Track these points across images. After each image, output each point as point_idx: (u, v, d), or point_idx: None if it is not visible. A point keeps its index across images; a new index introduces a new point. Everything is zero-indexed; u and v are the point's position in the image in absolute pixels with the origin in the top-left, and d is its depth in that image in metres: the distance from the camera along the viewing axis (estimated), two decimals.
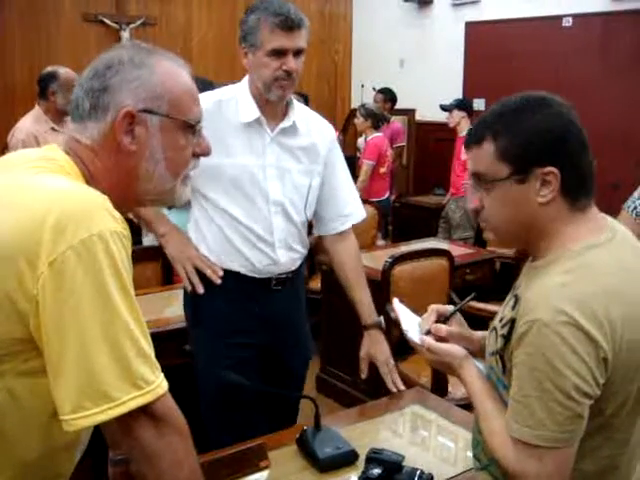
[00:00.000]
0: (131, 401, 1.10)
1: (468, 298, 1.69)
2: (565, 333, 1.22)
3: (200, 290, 2.20)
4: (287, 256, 2.25)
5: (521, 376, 1.28)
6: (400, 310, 1.67)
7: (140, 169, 1.27)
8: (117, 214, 1.15)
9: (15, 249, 1.07)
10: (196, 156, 1.36)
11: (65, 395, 1.08)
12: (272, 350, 2.30)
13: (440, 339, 1.57)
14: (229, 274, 2.21)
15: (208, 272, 2.19)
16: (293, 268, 2.30)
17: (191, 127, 1.31)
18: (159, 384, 1.14)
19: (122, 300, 1.11)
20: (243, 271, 2.22)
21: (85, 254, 1.07)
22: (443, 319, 1.62)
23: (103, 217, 1.11)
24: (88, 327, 1.07)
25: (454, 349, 1.52)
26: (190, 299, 2.28)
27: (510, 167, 1.32)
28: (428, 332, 1.59)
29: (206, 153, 1.38)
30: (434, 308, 1.64)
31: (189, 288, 2.22)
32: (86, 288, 1.07)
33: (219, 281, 2.19)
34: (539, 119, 1.32)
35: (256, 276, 2.23)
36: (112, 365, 1.08)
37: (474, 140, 1.38)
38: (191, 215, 2.30)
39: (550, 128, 1.31)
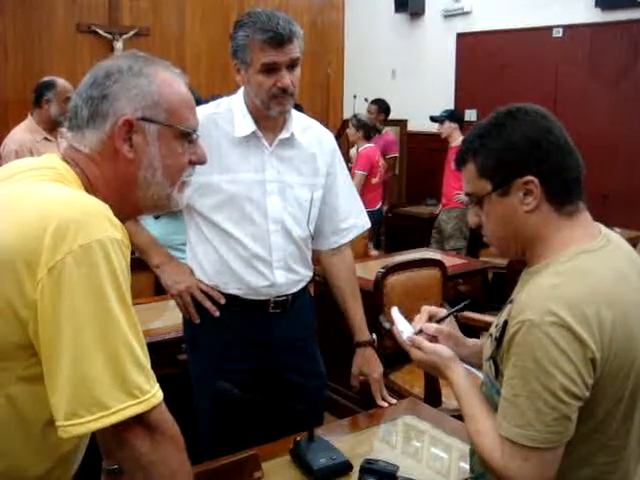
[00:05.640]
0: (125, 410, 1.09)
1: (462, 304, 1.72)
2: (554, 334, 1.24)
3: (197, 321, 2.18)
4: (285, 277, 2.17)
5: (511, 376, 1.30)
6: (397, 317, 1.68)
7: (138, 177, 1.28)
8: (117, 221, 1.16)
9: (16, 256, 1.08)
10: (192, 164, 1.37)
11: (59, 401, 1.08)
12: (278, 374, 2.23)
13: (430, 339, 1.59)
14: (224, 298, 2.16)
15: (207, 304, 2.15)
16: (294, 290, 2.21)
17: (187, 135, 1.33)
18: (154, 394, 1.14)
19: (120, 308, 1.11)
20: (238, 293, 2.16)
21: (84, 261, 1.07)
22: (435, 321, 1.65)
23: (103, 224, 1.12)
24: (84, 334, 1.07)
25: (441, 349, 1.54)
26: (187, 322, 2.25)
27: (491, 182, 1.38)
28: (420, 331, 1.61)
29: (202, 161, 1.39)
30: (426, 309, 1.67)
31: (187, 317, 2.21)
32: (84, 295, 1.07)
33: (217, 313, 2.15)
34: (509, 132, 1.36)
35: (253, 298, 2.16)
36: (107, 373, 1.08)
37: (460, 163, 1.45)
38: (187, 235, 2.25)
39: (521, 139, 1.35)
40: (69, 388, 1.07)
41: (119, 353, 1.10)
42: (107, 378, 1.08)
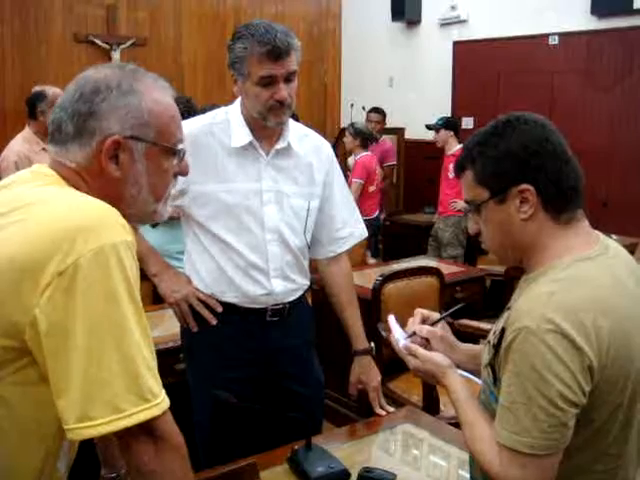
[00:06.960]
0: (139, 414, 1.09)
1: (455, 307, 1.73)
2: (551, 341, 1.24)
3: (194, 329, 2.18)
4: (282, 286, 2.18)
5: (509, 383, 1.30)
6: (394, 326, 1.68)
7: (124, 194, 1.27)
8: (125, 223, 1.16)
9: (22, 262, 1.07)
10: (175, 176, 1.36)
11: (70, 404, 1.07)
12: (275, 383, 2.23)
13: (423, 341, 1.60)
14: (221, 306, 2.17)
15: (204, 313, 2.15)
16: (291, 299, 2.22)
17: (174, 152, 1.32)
18: (163, 398, 1.14)
19: (132, 311, 1.11)
20: (236, 302, 2.16)
21: (97, 264, 1.07)
22: (429, 324, 1.66)
23: (113, 226, 1.12)
24: (98, 337, 1.07)
25: (437, 356, 1.55)
26: (185, 330, 2.25)
27: (488, 190, 1.39)
28: (413, 334, 1.62)
29: (184, 173, 1.38)
30: (419, 311, 1.68)
31: (184, 326, 2.21)
32: (97, 298, 1.07)
33: (214, 322, 2.15)
34: (507, 140, 1.37)
35: (250, 306, 2.16)
36: (122, 376, 1.08)
37: (459, 170, 1.46)
38: (184, 244, 2.26)
39: (518, 148, 1.36)
40: (82, 390, 1.06)
41: (133, 356, 1.09)
42: (121, 381, 1.08)
